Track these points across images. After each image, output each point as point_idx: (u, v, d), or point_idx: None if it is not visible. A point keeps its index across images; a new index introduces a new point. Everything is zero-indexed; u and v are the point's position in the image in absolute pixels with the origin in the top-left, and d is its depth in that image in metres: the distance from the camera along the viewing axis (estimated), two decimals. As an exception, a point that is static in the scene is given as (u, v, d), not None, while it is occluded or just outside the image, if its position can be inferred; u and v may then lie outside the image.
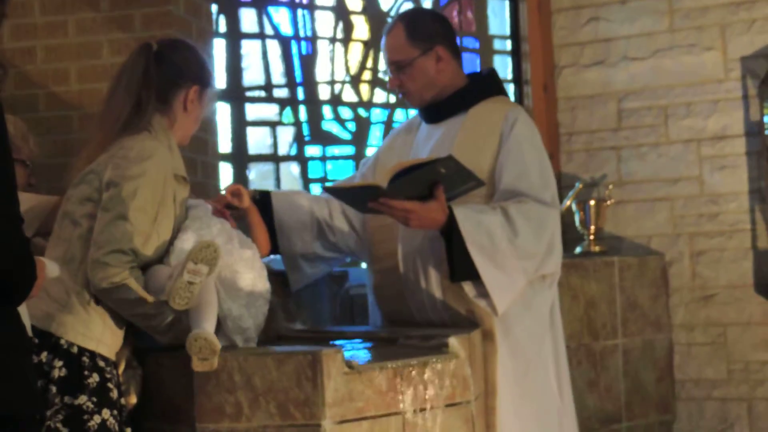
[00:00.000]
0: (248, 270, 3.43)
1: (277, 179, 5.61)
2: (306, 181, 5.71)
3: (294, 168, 5.74)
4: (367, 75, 5.94)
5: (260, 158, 5.63)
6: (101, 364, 3.22)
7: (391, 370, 3.20)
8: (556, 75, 5.92)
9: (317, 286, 4.33)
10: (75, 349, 3.19)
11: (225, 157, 5.35)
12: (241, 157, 5.50)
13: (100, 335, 3.23)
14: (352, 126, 5.87)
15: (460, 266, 3.59)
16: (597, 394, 5.02)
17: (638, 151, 5.63)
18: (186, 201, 3.46)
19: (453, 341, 3.36)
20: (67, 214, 3.33)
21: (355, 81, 5.90)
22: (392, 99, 5.94)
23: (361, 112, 5.92)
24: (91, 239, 3.22)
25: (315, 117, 5.77)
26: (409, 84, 3.90)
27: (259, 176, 5.58)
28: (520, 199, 3.66)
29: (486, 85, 3.99)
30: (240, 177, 5.41)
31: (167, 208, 3.32)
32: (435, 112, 3.96)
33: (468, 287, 3.67)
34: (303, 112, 5.75)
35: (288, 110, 5.71)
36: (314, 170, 5.75)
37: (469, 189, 3.61)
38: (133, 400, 3.34)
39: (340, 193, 3.83)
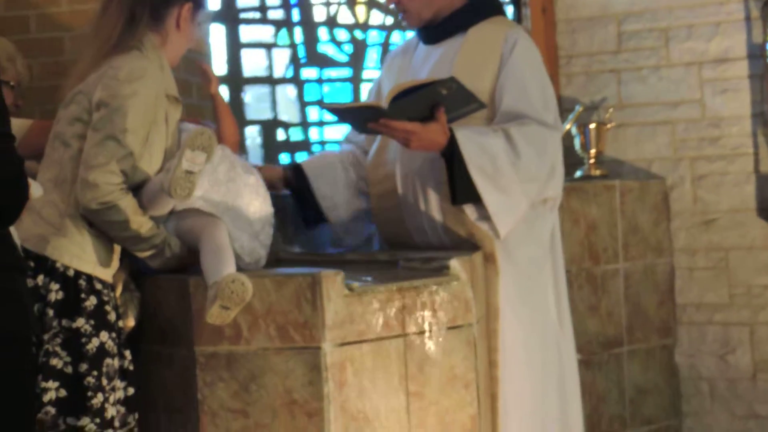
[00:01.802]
0: (254, 196, 3.39)
1: (273, 102, 5.58)
2: (302, 104, 5.68)
3: (290, 90, 5.71)
4: None
5: (256, 81, 5.60)
6: (98, 286, 3.20)
7: (391, 292, 3.18)
8: (555, -4, 5.67)
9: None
10: (71, 272, 3.16)
11: (220, 80, 5.14)
12: (236, 80, 5.45)
13: (96, 258, 3.21)
14: (348, 48, 5.83)
15: (461, 189, 3.56)
16: (598, 318, 4.99)
17: (639, 74, 5.49)
18: (180, 123, 3.41)
19: (454, 263, 3.34)
20: (57, 135, 3.28)
21: (351, 2, 5.84)
22: (389, 21, 5.87)
23: (358, 34, 5.88)
24: (81, 159, 3.18)
25: (311, 39, 5.72)
26: (407, 1, 3.82)
27: (254, 99, 5.56)
28: (521, 121, 3.63)
29: (485, 5, 3.92)
30: (235, 100, 5.38)
31: (159, 128, 3.27)
32: (433, 32, 3.89)
33: (469, 210, 3.64)
34: (299, 34, 5.72)
35: (283, 32, 5.66)
36: (311, 93, 5.71)
37: (470, 111, 3.57)
38: (131, 322, 3.32)
39: (340, 112, 3.79)
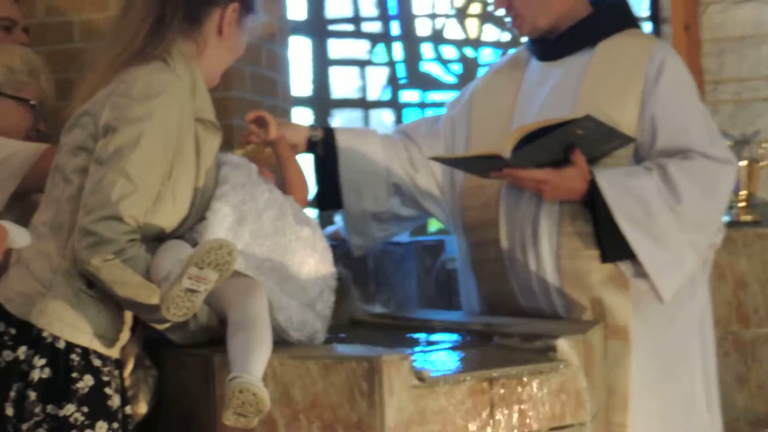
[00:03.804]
0: (309, 253, 2.92)
1: None
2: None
3: (386, 116, 5.48)
4: (475, 8, 5.69)
5: (346, 104, 5.36)
6: (96, 363, 2.69)
7: (477, 382, 2.69)
8: (700, 12, 5.54)
9: (404, 259, 4.04)
10: (62, 344, 2.65)
11: (301, 101, 5.08)
12: (322, 102, 5.20)
13: (95, 327, 2.69)
14: (457, 68, 5.60)
15: (610, 243, 3.23)
16: (747, 392, 4.69)
17: (798, 104, 5.33)
18: (222, 156, 2.92)
19: (563, 344, 2.86)
20: (58, 167, 2.79)
21: (461, 15, 5.67)
22: (505, 37, 5.67)
23: (468, 51, 5.65)
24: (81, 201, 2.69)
25: (412, 56, 5.51)
26: (519, 4, 3.44)
27: (345, 124, 5.33)
28: (684, 155, 3.29)
29: (617, 14, 3.53)
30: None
31: (186, 162, 2.75)
32: (551, 46, 3.49)
33: (625, 265, 3.27)
34: (398, 50, 5.52)
35: (380, 47, 5.47)
36: (411, 119, 5.31)
37: (614, 148, 3.26)
38: (142, 409, 2.83)
39: (451, 162, 3.48)
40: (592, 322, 3.17)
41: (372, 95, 5.40)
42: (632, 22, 3.56)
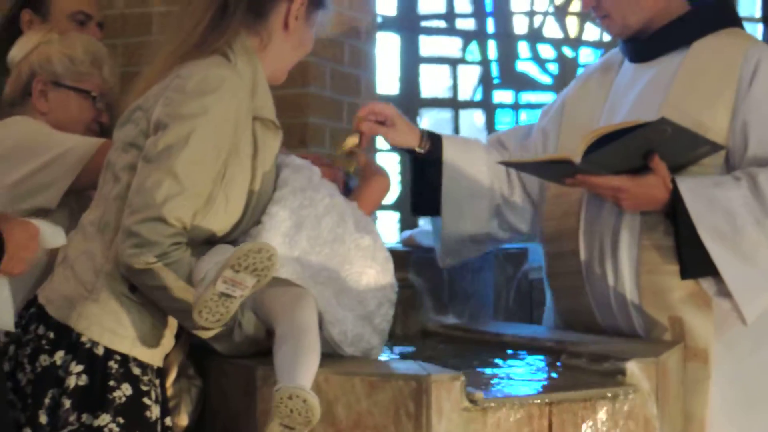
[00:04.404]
0: (369, 264, 2.75)
1: (456, 129, 5.23)
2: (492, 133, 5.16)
3: (478, 117, 5.32)
4: (575, 5, 5.55)
5: (436, 103, 5.21)
6: (136, 371, 2.55)
7: (535, 406, 2.49)
8: (816, 13, 5.30)
9: (482, 268, 3.79)
10: (100, 350, 2.53)
11: (388, 100, 4.83)
12: (410, 101, 5.09)
13: (136, 333, 2.56)
14: (554, 68, 5.47)
15: (691, 258, 3.05)
16: None
17: None
18: (281, 157, 2.78)
19: (632, 367, 2.65)
20: (109, 164, 2.67)
21: (560, 12, 5.54)
22: (606, 36, 5.51)
23: (567, 51, 5.51)
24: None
25: (507, 55, 5.37)
26: (608, 3, 3.27)
27: (433, 125, 5.29)
28: None
29: (715, 12, 3.33)
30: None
31: (242, 162, 2.61)
32: (643, 46, 3.32)
33: (707, 282, 3.08)
34: (492, 49, 5.37)
35: (474, 45, 5.33)
36: (503, 121, 5.38)
37: (700, 156, 3.08)
38: (184, 421, 2.68)
39: (522, 167, 3.35)
40: (669, 343, 2.97)
41: (463, 95, 5.27)
42: (733, 21, 3.35)
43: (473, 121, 5.25)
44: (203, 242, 2.55)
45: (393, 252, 3.19)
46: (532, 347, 3.13)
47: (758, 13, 5.59)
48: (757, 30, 5.48)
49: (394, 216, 4.89)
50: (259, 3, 2.71)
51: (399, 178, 4.97)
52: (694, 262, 3.04)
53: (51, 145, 2.86)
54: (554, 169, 3.08)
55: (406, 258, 3.49)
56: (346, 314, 2.66)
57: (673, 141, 2.97)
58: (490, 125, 5.23)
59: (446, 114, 5.20)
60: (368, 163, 3.03)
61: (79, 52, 3.16)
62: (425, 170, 3.40)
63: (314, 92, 3.72)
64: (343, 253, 2.71)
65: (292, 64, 2.82)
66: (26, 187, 2.82)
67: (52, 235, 2.37)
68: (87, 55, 3.20)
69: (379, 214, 4.78)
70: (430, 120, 5.19)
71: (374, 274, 2.75)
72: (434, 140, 3.46)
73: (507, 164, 3.31)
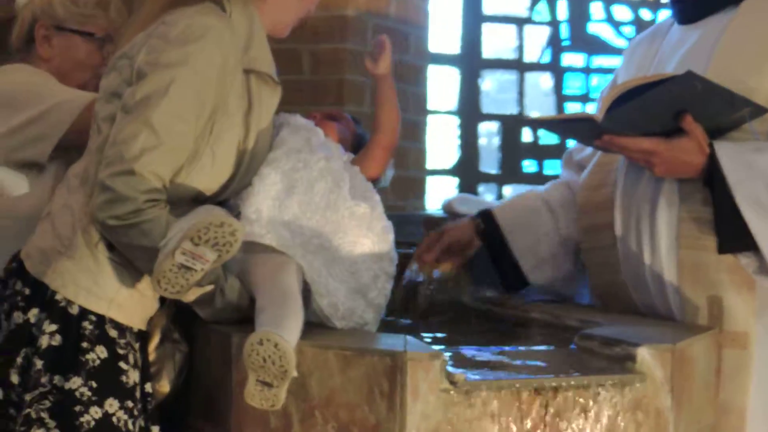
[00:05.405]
0: (363, 233, 2.62)
1: (521, 93, 4.98)
2: (560, 98, 5.09)
3: (545, 80, 5.12)
4: None
5: (499, 64, 5.02)
6: (112, 333, 2.44)
7: (522, 392, 2.29)
8: None
9: None
10: (75, 310, 2.42)
11: (448, 60, 4.80)
12: (472, 62, 4.89)
13: (114, 293, 2.44)
14: (629, 30, 5.19)
15: (728, 230, 2.87)
16: None
17: None
18: (281, 116, 2.66)
19: (644, 353, 2.43)
20: (95, 116, 2.54)
21: None
22: None
23: (644, 13, 5.25)
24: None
25: (579, 16, 5.17)
26: None
27: (496, 88, 5.16)
28: None
29: None
30: (469, 87, 4.86)
31: (230, 118, 2.47)
32: (691, 7, 3.16)
33: (747, 259, 2.89)
34: (563, 9, 5.17)
35: (542, 5, 5.15)
36: (572, 85, 5.12)
37: (740, 119, 2.87)
38: (165, 387, 2.58)
39: (549, 125, 3.30)
40: (699, 328, 2.77)
41: (529, 57, 5.10)
42: (788, -21, 3.19)
43: (540, 84, 5.09)
44: (190, 201, 2.42)
45: (432, 219, 3.03)
46: (557, 326, 2.95)
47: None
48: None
49: (453, 181, 4.73)
50: None
51: (458, 142, 4.86)
52: (733, 234, 2.87)
53: (44, 98, 2.76)
54: (581, 129, 2.97)
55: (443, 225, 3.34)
56: (338, 286, 2.53)
57: (706, 100, 2.80)
58: (558, 89, 5.03)
59: (510, 76, 5.02)
60: (389, 100, 2.87)
61: None
62: (494, 247, 3.34)
63: (352, 48, 3.56)
64: (336, 220, 2.58)
65: (296, 16, 2.66)
66: (18, 139, 2.72)
67: (13, 182, 2.33)
68: None
69: (437, 179, 4.65)
70: (492, 82, 5.05)
71: (369, 245, 2.62)
72: (485, 217, 3.38)
73: (534, 122, 3.15)
